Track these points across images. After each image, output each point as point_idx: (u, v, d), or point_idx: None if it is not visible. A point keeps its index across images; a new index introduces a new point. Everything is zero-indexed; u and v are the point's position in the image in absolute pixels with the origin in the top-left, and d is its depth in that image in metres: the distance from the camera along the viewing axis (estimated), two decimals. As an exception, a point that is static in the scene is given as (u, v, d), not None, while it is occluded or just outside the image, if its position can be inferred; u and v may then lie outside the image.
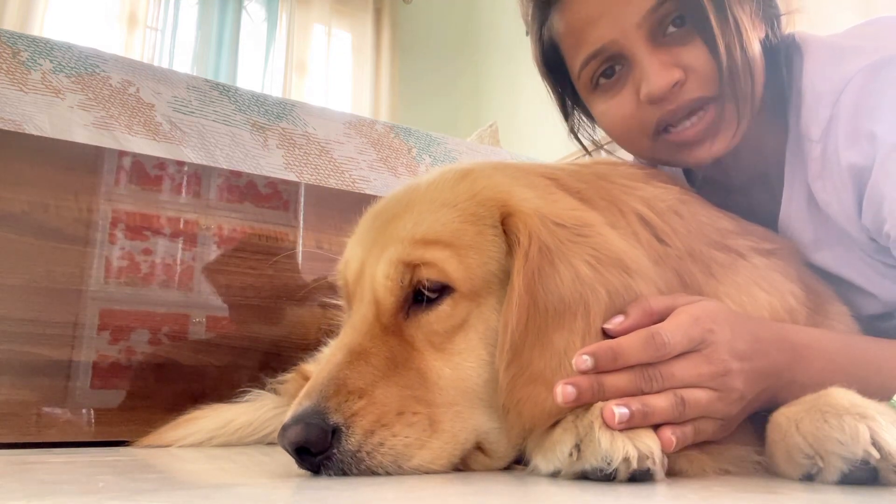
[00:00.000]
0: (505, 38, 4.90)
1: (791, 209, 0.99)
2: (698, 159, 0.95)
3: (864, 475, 0.58)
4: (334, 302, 0.88)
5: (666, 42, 0.91)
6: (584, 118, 1.13)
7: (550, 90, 1.13)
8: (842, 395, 0.63)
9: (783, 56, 0.98)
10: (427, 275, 0.73)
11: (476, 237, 0.74)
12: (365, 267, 0.78)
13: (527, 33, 1.11)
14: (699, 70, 0.90)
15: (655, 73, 0.89)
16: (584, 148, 1.19)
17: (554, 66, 1.06)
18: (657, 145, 0.97)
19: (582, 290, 0.69)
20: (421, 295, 0.74)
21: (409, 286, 0.74)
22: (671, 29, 0.90)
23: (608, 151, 1.21)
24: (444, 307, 0.73)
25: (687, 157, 0.96)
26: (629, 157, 1.20)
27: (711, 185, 1.08)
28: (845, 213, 0.92)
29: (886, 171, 0.85)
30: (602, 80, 0.97)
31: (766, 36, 0.96)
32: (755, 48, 0.91)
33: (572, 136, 1.16)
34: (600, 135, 1.15)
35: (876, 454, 0.56)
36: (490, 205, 0.76)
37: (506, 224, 0.74)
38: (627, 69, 0.94)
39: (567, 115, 1.14)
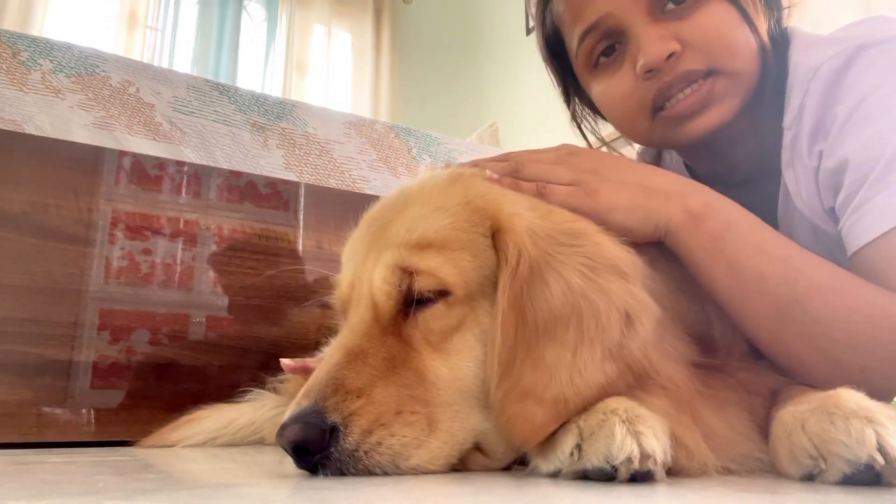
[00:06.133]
0: (505, 39, 4.90)
1: (789, 204, 0.99)
2: (693, 133, 0.96)
3: (867, 478, 0.57)
4: (335, 303, 0.88)
5: (664, 17, 0.93)
6: (586, 109, 1.16)
7: (553, 76, 1.16)
8: (850, 397, 0.63)
9: (779, 48, 0.99)
10: (424, 284, 0.72)
11: (469, 243, 0.74)
12: (361, 272, 0.78)
13: (527, 32, 1.14)
14: (695, 44, 0.91)
15: (651, 43, 0.91)
16: (588, 142, 1.20)
17: (556, 52, 1.10)
18: (655, 124, 0.98)
19: (574, 300, 0.68)
20: (418, 297, 0.74)
21: (406, 290, 0.73)
22: (670, 6, 0.93)
23: (612, 148, 1.22)
24: (441, 306, 0.73)
25: (683, 133, 0.97)
26: (633, 154, 1.21)
27: (713, 180, 1.08)
28: (810, 203, 0.93)
29: (843, 135, 0.85)
30: (602, 59, 1.00)
31: (769, 28, 0.97)
32: (763, 31, 0.93)
33: (574, 123, 1.19)
34: (605, 131, 1.16)
35: (881, 460, 0.56)
36: (482, 214, 0.75)
37: (496, 239, 0.74)
38: (625, 46, 0.96)
39: (568, 102, 1.18)
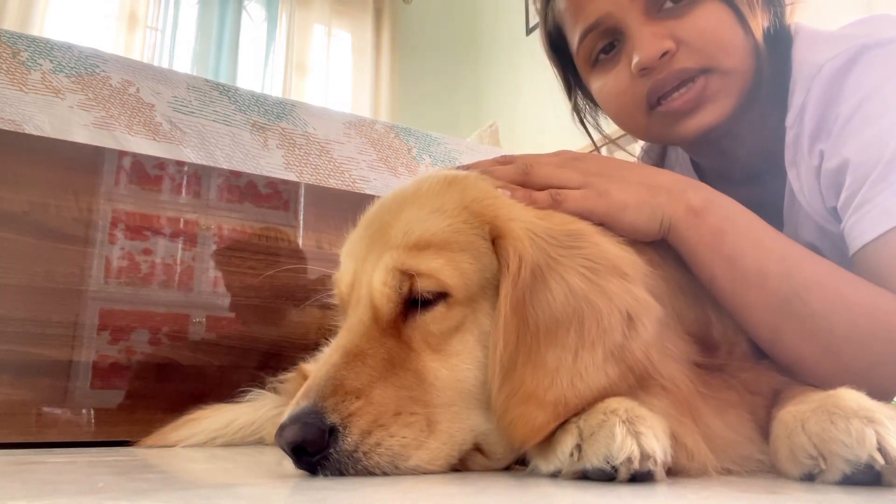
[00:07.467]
0: (505, 39, 4.90)
1: (794, 201, 0.99)
2: (689, 131, 0.97)
3: (866, 478, 0.57)
4: (334, 302, 0.88)
5: (660, 16, 0.94)
6: (588, 103, 1.18)
7: (556, 71, 1.18)
8: (850, 397, 0.63)
9: (783, 45, 0.99)
10: (425, 286, 0.72)
11: (468, 245, 0.74)
12: (360, 274, 0.78)
13: (527, 32, 1.16)
14: (690, 43, 0.93)
15: (646, 42, 0.93)
16: (591, 137, 1.21)
17: (558, 48, 1.11)
18: (652, 120, 0.99)
19: (575, 303, 0.68)
20: (417, 299, 0.74)
21: (406, 293, 0.73)
22: (668, 4, 0.94)
23: (619, 146, 1.23)
24: (440, 308, 0.72)
25: (679, 131, 0.98)
26: (637, 151, 1.21)
27: (719, 177, 1.08)
28: (813, 201, 0.93)
29: (844, 135, 0.85)
30: (601, 56, 1.01)
31: (770, 25, 0.97)
32: (758, 31, 0.94)
33: (576, 116, 1.20)
34: (609, 129, 1.17)
35: (881, 460, 0.56)
36: (480, 219, 0.75)
37: (496, 245, 0.73)
38: (623, 44, 0.97)
39: (570, 95, 1.20)
